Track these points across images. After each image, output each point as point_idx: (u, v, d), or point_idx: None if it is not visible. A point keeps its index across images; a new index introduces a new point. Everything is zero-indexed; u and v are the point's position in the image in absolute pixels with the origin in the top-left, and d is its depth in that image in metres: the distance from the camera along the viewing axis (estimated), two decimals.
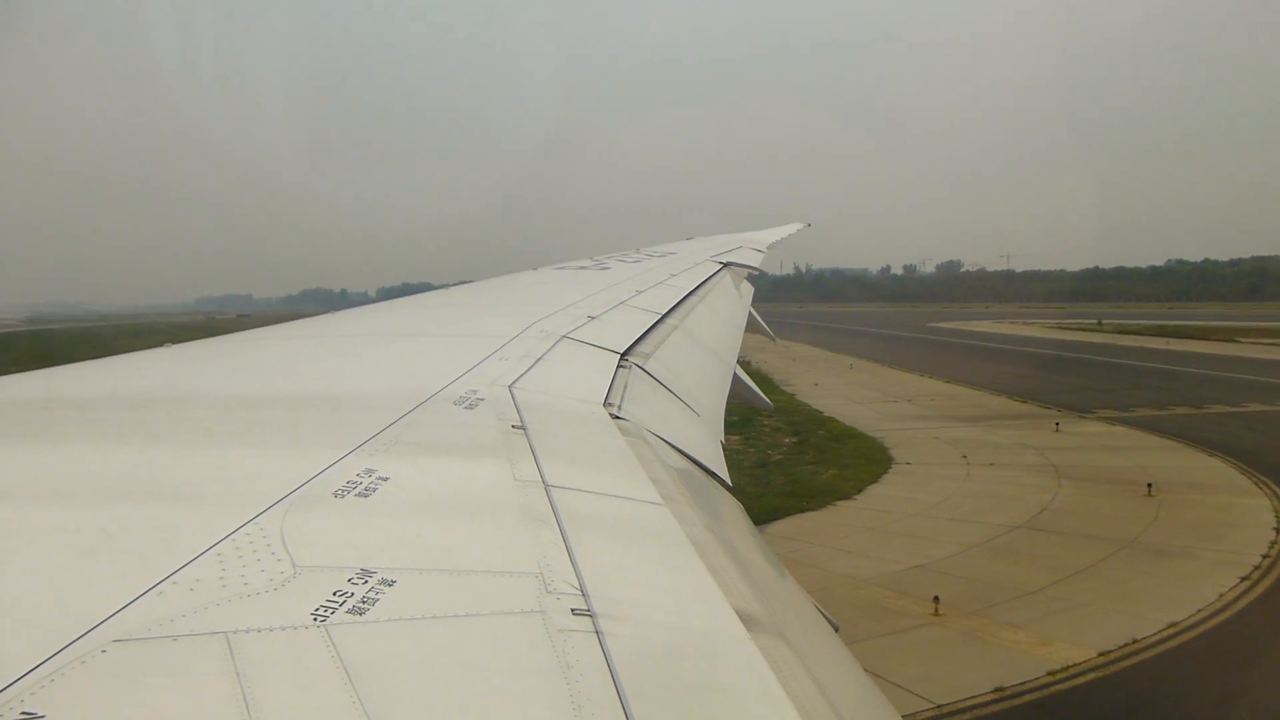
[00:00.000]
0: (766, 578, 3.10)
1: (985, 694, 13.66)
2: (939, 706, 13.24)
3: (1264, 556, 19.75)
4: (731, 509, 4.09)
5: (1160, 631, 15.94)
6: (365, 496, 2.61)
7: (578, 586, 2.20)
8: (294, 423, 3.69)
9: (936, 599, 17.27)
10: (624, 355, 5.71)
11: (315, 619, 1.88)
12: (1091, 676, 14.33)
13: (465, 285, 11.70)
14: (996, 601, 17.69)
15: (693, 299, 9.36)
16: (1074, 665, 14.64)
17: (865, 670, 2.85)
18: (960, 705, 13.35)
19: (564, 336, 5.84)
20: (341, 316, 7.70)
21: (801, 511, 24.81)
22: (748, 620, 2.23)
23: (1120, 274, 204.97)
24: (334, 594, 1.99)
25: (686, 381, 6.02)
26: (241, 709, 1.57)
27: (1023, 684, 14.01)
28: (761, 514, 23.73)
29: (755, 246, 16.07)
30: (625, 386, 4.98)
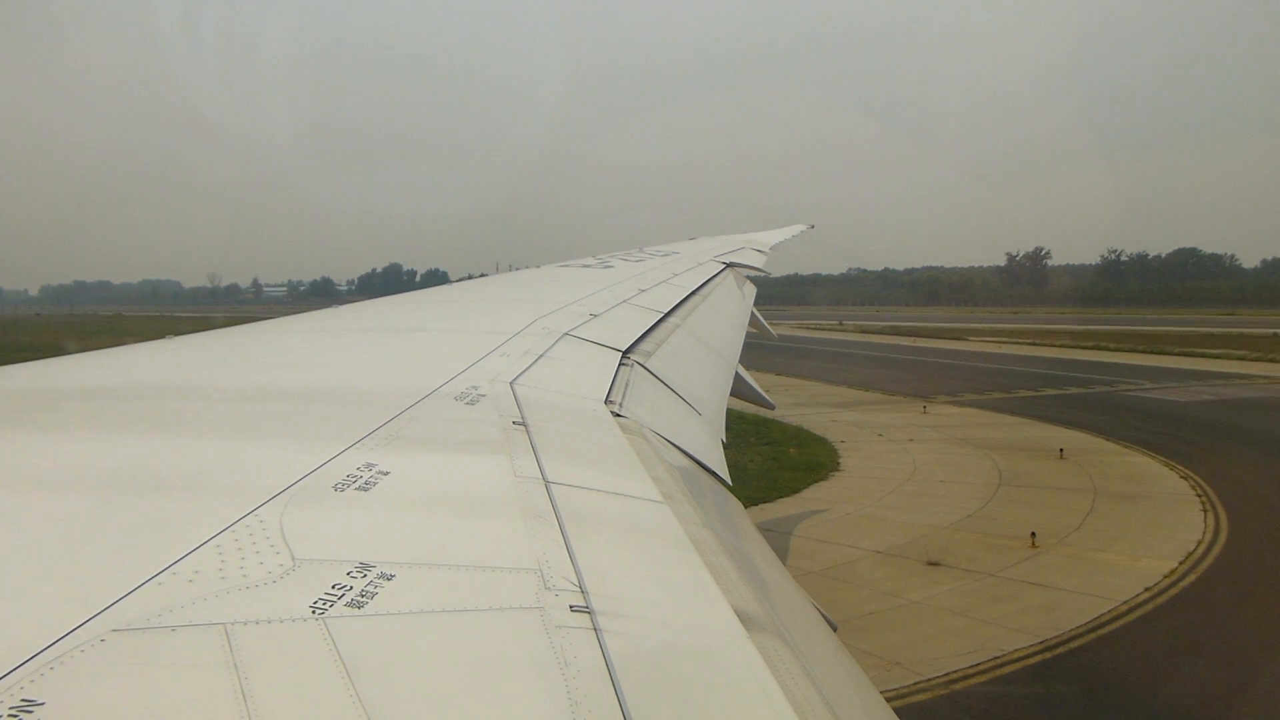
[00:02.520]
0: (766, 577, 3.10)
1: (1140, 592, 16.66)
2: (1123, 602, 16.21)
3: (1199, 495, 23.62)
4: (731, 508, 4.09)
5: (1200, 544, 19.46)
6: (365, 490, 2.61)
7: (577, 583, 2.20)
8: (295, 416, 3.69)
9: (1033, 534, 19.72)
10: (626, 353, 5.71)
11: (314, 612, 1.88)
12: (1193, 577, 17.46)
13: (468, 281, 11.71)
14: (1062, 535, 20.25)
15: (695, 298, 9.36)
16: (1174, 571, 17.77)
17: (864, 670, 2.85)
18: (1133, 603, 16.26)
19: (566, 334, 5.84)
20: (343, 311, 7.71)
21: (814, 483, 26.05)
22: (746, 619, 2.23)
23: (816, 280, 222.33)
24: (333, 587, 1.99)
25: (688, 380, 6.02)
26: (239, 700, 1.57)
27: (1156, 585, 17.05)
28: (784, 485, 25.31)
29: (758, 247, 16.08)
30: (627, 384, 4.98)
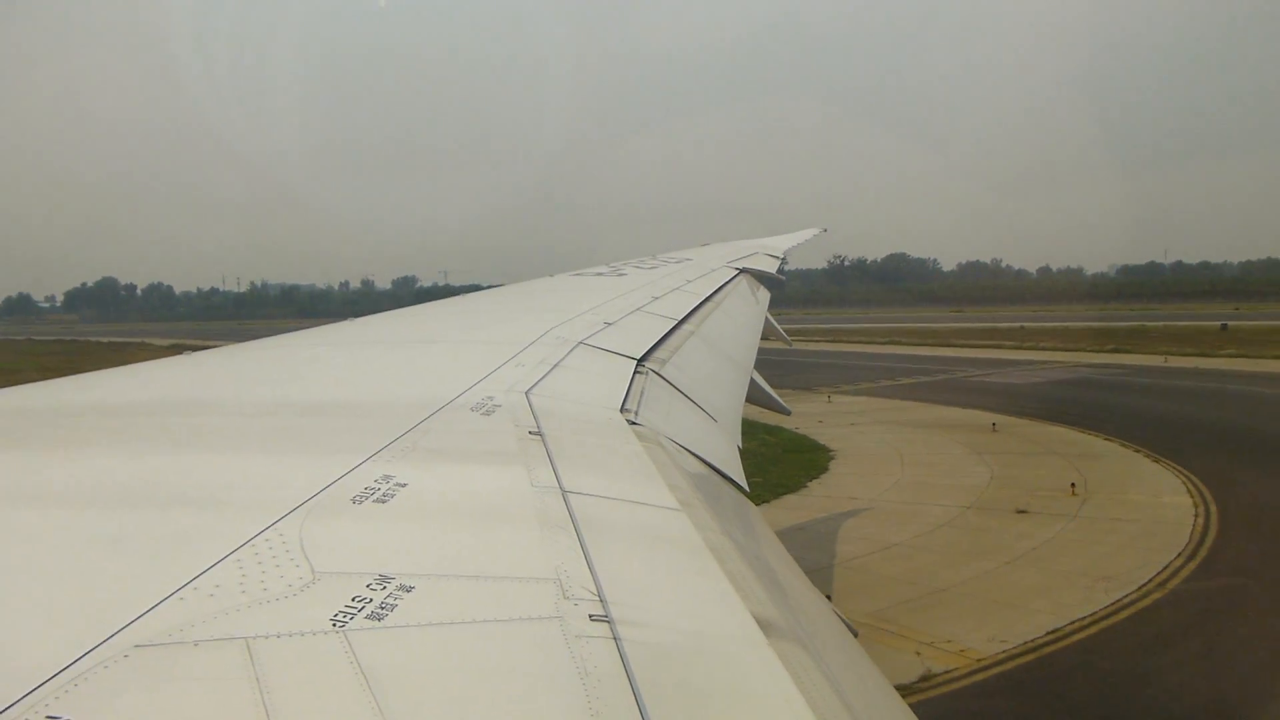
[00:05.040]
0: (784, 583, 3.09)
1: (1195, 517, 19.28)
2: (1193, 524, 18.77)
3: (1135, 450, 26.39)
4: (749, 514, 4.08)
5: (1186, 483, 22.25)
6: (383, 503, 2.62)
7: (595, 592, 2.19)
8: (312, 429, 3.71)
9: (1073, 485, 22.09)
10: (641, 361, 5.71)
11: (334, 625, 1.89)
12: (1216, 507, 19.99)
13: (483, 292, 11.76)
14: (1081, 487, 22.23)
15: (709, 305, 9.35)
16: (1196, 502, 20.52)
17: (885, 675, 2.83)
18: (1202, 524, 18.81)
19: (581, 343, 5.85)
20: (359, 323, 7.75)
21: (829, 463, 26.75)
22: (766, 626, 2.22)
23: None
24: (352, 600, 2.00)
25: (703, 387, 6.01)
26: (261, 714, 1.58)
27: (1200, 510, 19.79)
28: (812, 465, 26.13)
29: (771, 252, 16.04)
30: (642, 392, 4.98)
